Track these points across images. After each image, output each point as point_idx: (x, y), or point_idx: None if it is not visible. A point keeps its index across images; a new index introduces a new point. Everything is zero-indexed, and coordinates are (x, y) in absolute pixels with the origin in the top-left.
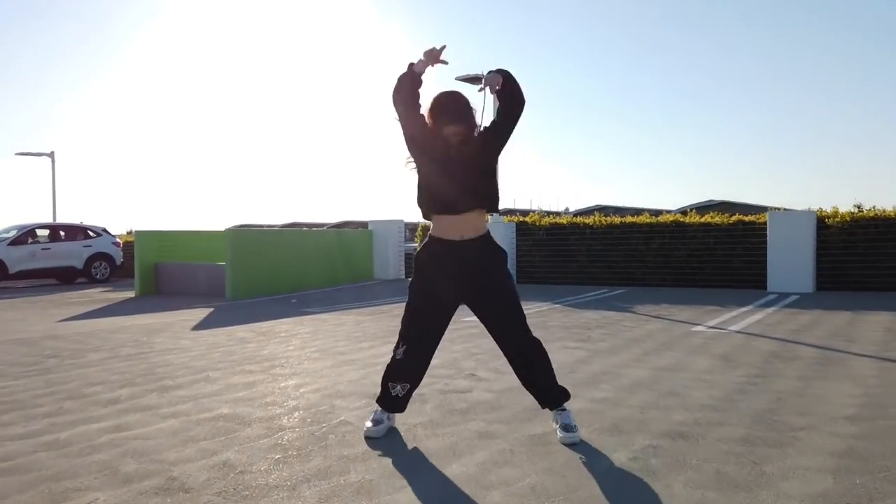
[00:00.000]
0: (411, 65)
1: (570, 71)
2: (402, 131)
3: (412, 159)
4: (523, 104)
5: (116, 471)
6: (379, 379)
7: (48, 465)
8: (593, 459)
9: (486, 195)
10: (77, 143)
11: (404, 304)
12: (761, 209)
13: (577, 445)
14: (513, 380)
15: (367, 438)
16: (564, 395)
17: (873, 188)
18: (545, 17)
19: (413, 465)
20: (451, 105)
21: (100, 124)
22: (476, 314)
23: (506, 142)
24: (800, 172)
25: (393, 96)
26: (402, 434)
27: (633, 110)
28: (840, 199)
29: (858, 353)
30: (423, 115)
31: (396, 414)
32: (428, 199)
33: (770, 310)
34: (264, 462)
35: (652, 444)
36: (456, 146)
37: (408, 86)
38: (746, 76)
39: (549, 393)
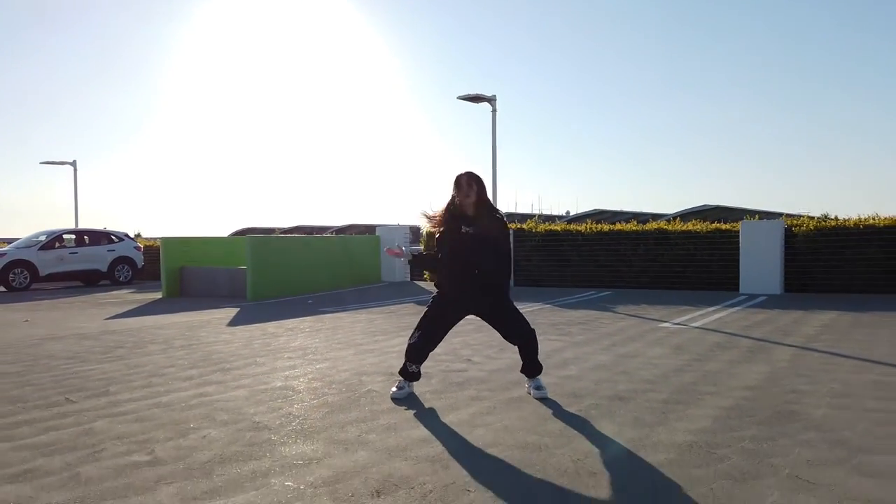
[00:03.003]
0: (414, 256)
1: (573, 70)
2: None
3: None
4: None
5: (214, 419)
6: (394, 363)
7: (164, 416)
8: (550, 412)
9: None
10: (93, 152)
11: (411, 304)
12: (756, 214)
13: (543, 401)
14: (500, 363)
15: (393, 399)
16: (539, 369)
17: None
18: (540, 20)
19: (424, 415)
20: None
21: (112, 133)
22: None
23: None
24: (809, 178)
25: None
26: (416, 398)
27: (634, 113)
28: (842, 205)
29: (787, 343)
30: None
31: (415, 383)
32: None
33: (734, 309)
34: (318, 413)
35: (596, 403)
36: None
37: (429, 261)
38: (754, 76)
39: (530, 365)
